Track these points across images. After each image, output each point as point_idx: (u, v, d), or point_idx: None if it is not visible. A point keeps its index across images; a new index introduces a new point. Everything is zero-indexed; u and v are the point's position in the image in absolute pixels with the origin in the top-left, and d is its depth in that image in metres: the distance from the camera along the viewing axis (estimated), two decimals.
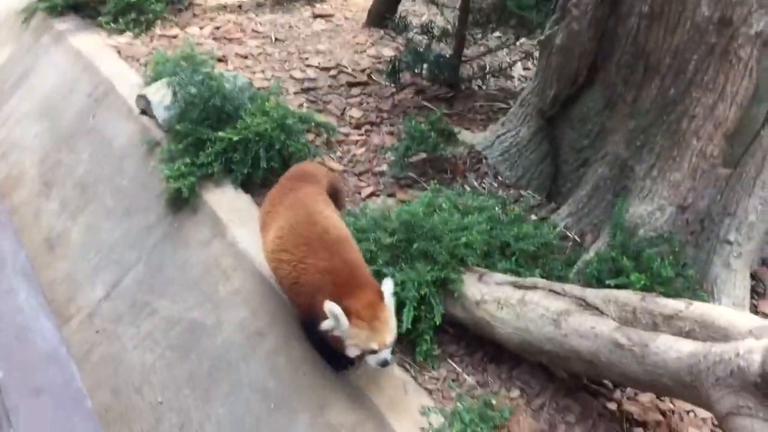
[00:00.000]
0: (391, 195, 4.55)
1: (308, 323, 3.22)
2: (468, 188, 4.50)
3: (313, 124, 4.89)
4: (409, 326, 3.30)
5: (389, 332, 2.99)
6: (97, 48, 6.29)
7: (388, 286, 3.04)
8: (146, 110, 5.14)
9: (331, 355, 3.26)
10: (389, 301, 3.02)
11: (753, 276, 3.87)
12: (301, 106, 5.48)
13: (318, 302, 2.96)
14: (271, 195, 3.70)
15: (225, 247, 4.14)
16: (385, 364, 3.03)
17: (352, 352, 3.00)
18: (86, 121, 5.62)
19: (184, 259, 4.30)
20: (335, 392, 3.30)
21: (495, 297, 3.37)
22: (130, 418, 3.89)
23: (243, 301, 3.87)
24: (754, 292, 3.85)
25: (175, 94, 4.80)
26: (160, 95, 5.00)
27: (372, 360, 3.00)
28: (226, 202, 4.38)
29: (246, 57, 6.33)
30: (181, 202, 4.45)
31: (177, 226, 4.47)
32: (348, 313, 2.90)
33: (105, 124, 5.48)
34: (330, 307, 2.90)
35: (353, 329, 2.92)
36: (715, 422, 3.20)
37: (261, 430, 3.44)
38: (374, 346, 2.94)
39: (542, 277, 3.54)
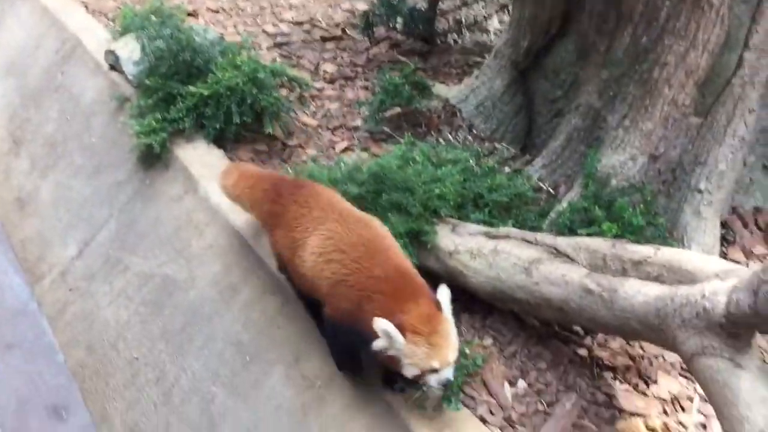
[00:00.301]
0: (366, 149, 4.51)
1: (338, 326, 2.94)
2: (443, 141, 4.47)
3: (285, 78, 4.82)
4: None
5: (451, 348, 2.67)
6: (63, 3, 6.13)
7: (444, 294, 2.74)
8: (115, 65, 5.03)
9: (347, 359, 3.08)
10: (447, 312, 2.72)
11: (723, 224, 3.90)
12: (274, 61, 5.38)
13: (366, 312, 2.67)
14: (288, 213, 3.19)
15: (197, 202, 4.10)
16: (448, 384, 2.72)
17: (410, 372, 2.67)
18: (54, 77, 5.50)
19: (155, 215, 4.26)
20: (310, 345, 3.31)
21: (468, 247, 3.38)
22: (107, 374, 3.90)
23: (216, 256, 3.85)
24: (724, 240, 3.89)
25: (143, 48, 4.70)
26: (129, 50, 4.89)
27: (433, 380, 2.67)
28: (198, 157, 4.33)
29: (217, 11, 6.21)
30: (153, 158, 4.39)
31: (148, 183, 4.42)
32: (402, 328, 2.59)
33: (73, 80, 5.36)
34: (382, 325, 2.58)
35: (410, 347, 2.60)
36: (684, 366, 3.26)
37: (236, 382, 3.45)
38: (435, 364, 2.62)
39: (516, 227, 3.55)
